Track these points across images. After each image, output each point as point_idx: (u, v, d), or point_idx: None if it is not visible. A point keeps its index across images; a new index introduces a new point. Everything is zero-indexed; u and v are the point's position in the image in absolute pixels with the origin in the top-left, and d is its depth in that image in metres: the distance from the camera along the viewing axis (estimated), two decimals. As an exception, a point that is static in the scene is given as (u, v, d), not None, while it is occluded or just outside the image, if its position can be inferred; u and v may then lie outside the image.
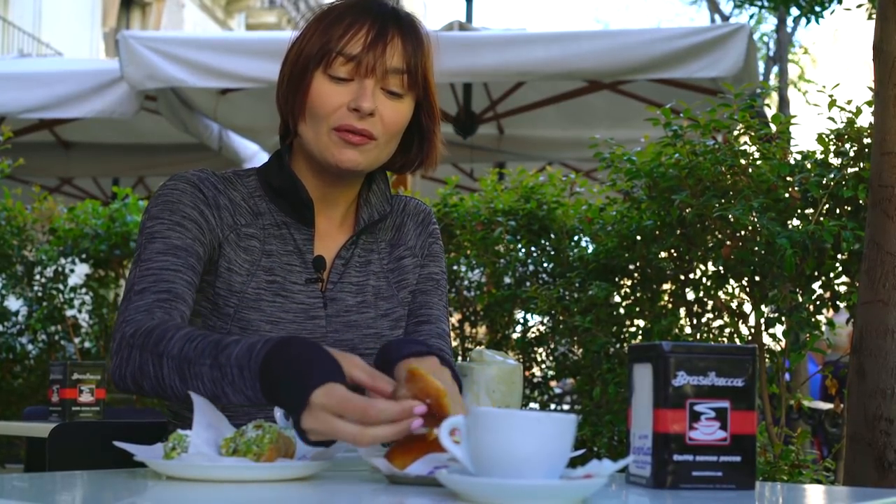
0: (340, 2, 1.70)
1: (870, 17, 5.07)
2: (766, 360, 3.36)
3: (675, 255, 3.55)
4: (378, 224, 1.80)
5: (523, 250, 4.21)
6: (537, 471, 1.17)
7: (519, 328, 4.41)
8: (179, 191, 1.67)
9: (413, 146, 1.77)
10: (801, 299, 3.26)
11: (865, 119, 3.16)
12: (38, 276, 5.37)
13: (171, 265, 1.59)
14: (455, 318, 4.57)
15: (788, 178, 3.26)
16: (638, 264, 3.68)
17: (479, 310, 4.45)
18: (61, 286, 5.39)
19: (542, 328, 4.24)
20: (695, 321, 3.61)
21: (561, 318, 3.93)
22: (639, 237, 3.57)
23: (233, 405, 1.42)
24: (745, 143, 3.34)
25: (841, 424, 4.18)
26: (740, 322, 3.49)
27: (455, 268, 4.37)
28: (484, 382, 1.61)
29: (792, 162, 3.29)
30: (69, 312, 5.43)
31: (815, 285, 3.28)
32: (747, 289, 3.40)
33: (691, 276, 3.59)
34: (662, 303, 3.68)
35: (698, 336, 3.58)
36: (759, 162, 3.30)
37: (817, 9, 6.64)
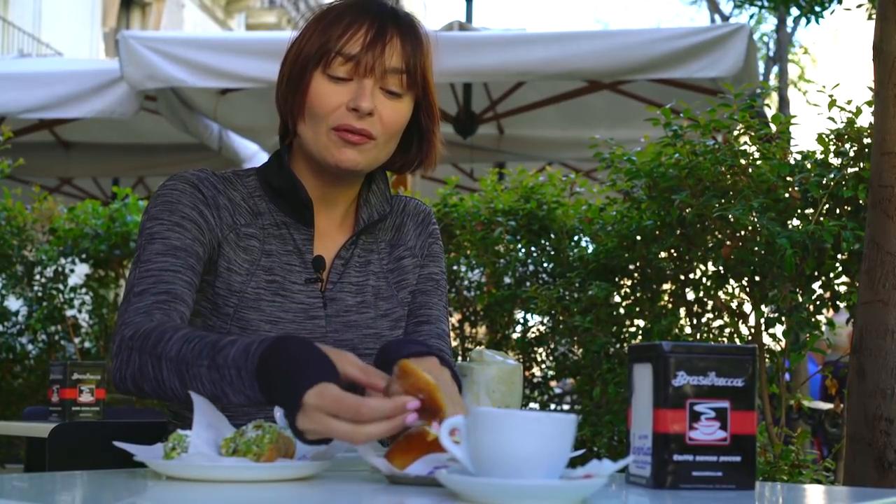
0: (340, 2, 1.70)
1: (870, 17, 5.07)
2: (766, 360, 3.36)
3: (675, 255, 3.55)
4: (378, 224, 1.80)
5: (523, 250, 4.21)
6: (537, 471, 1.17)
7: (519, 328, 4.41)
8: (178, 191, 1.67)
9: (412, 146, 1.77)
10: (801, 299, 3.26)
11: (865, 119, 3.16)
12: (38, 276, 5.37)
13: (170, 266, 1.59)
14: (455, 318, 4.57)
15: (788, 178, 3.26)
16: (638, 264, 3.68)
17: (479, 310, 4.45)
18: (61, 286, 5.39)
19: (542, 328, 4.24)
20: (695, 321, 3.61)
21: (561, 318, 3.93)
22: (639, 237, 3.57)
23: (233, 405, 1.42)
24: (745, 143, 3.34)
25: (841, 424, 4.18)
26: (740, 322, 3.49)
27: (455, 268, 4.37)
28: (484, 382, 1.61)
29: (792, 162, 3.29)
30: (69, 312, 5.44)
31: (815, 285, 3.28)
32: (747, 289, 3.40)
33: (691, 276, 3.59)
34: (662, 303, 3.68)
35: (698, 336, 3.58)
36: (759, 162, 3.29)
37: (817, 9, 6.64)
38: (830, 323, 3.42)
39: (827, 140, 3.26)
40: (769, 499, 1.38)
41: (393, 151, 1.72)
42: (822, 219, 3.15)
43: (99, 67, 6.50)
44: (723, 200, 3.24)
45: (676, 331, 3.59)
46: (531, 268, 4.24)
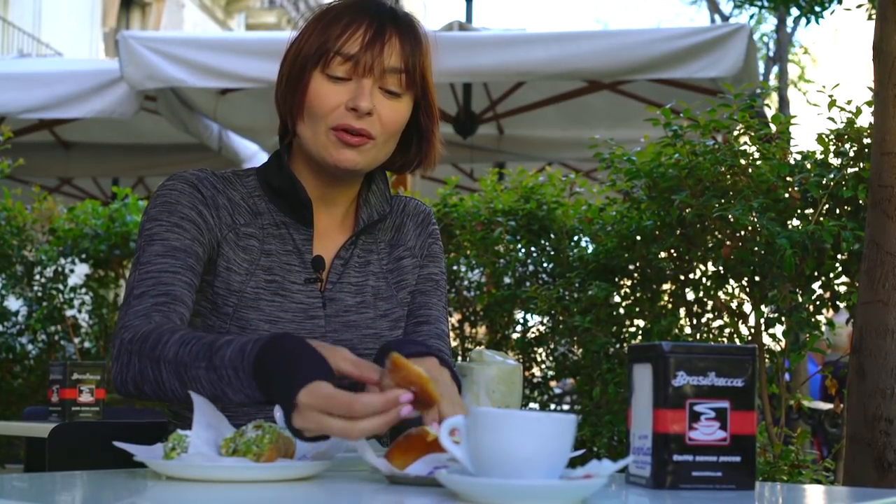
0: (339, 2, 1.70)
1: (870, 18, 5.07)
2: (766, 360, 3.35)
3: (674, 255, 3.55)
4: (377, 224, 1.80)
5: (523, 250, 4.21)
6: (537, 471, 1.17)
7: (519, 328, 4.41)
8: (178, 191, 1.67)
9: (412, 146, 1.77)
10: (800, 299, 3.26)
11: (865, 119, 3.16)
12: (37, 276, 5.37)
13: (169, 267, 1.59)
14: (455, 319, 4.57)
15: (788, 179, 3.26)
16: (638, 264, 3.68)
17: (478, 310, 4.45)
18: (61, 286, 5.39)
19: (541, 328, 4.24)
20: (695, 321, 3.61)
21: (561, 318, 3.93)
22: (639, 237, 3.57)
23: (233, 405, 1.42)
24: (745, 143, 3.34)
25: (841, 424, 4.18)
26: (740, 322, 3.49)
27: (455, 268, 4.37)
28: (484, 383, 1.61)
29: (792, 162, 3.29)
30: (69, 312, 5.43)
31: (815, 285, 3.28)
32: (747, 289, 3.40)
33: (691, 276, 3.58)
34: (662, 303, 3.68)
35: (698, 336, 3.58)
36: (758, 162, 3.29)
37: (817, 9, 6.64)
38: (830, 323, 3.42)
39: (827, 140, 3.26)
40: (769, 499, 1.38)
41: (392, 151, 1.72)
42: (821, 219, 3.15)
43: (99, 67, 6.50)
44: (723, 200, 3.23)
45: (676, 331, 3.59)
46: (531, 268, 4.24)
